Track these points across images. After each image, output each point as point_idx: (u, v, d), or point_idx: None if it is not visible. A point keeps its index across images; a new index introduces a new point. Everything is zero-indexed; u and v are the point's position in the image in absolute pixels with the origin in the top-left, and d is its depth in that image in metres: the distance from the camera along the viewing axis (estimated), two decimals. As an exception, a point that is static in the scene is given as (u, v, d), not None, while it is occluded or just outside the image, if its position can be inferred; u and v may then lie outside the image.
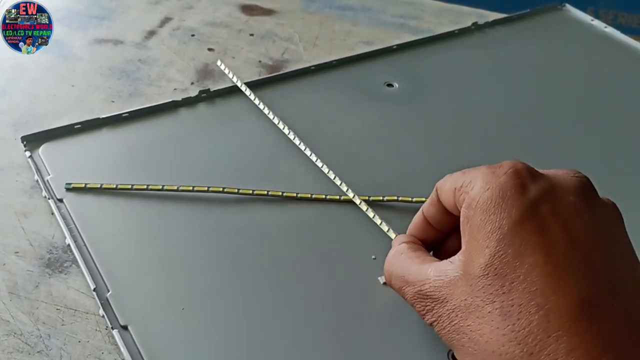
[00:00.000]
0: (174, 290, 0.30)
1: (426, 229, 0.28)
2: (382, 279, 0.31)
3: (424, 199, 0.33)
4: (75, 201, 0.34)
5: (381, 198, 0.36)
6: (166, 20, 0.52)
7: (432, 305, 0.23)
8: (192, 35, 0.50)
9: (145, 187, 0.34)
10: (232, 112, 0.42)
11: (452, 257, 0.24)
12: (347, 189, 0.35)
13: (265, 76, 0.45)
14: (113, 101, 0.42)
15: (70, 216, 0.33)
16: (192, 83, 0.44)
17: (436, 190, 0.27)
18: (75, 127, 0.39)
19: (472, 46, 0.53)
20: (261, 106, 0.42)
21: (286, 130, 0.40)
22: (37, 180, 0.34)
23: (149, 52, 0.47)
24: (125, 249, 0.31)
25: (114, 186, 0.34)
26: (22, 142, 0.37)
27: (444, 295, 0.23)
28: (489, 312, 0.21)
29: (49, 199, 0.33)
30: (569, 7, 0.61)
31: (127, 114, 0.40)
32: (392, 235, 0.32)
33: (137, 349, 0.27)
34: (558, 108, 0.47)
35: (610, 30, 0.57)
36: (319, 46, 0.50)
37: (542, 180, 0.23)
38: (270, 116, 0.41)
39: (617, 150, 0.43)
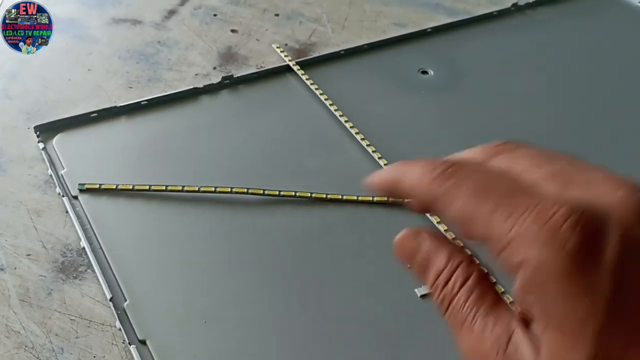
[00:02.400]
0: (196, 300, 0.27)
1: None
2: (419, 291, 0.29)
3: None
4: (90, 199, 0.32)
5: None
6: (187, -2, 0.49)
7: None
8: (215, 15, 0.47)
9: (164, 187, 0.32)
10: (256, 101, 0.40)
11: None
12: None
13: (295, 60, 0.42)
14: (131, 87, 0.39)
15: (86, 215, 0.31)
16: (215, 68, 0.42)
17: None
18: (92, 115, 0.36)
19: (512, 29, 0.50)
20: (317, 91, 0.39)
21: (337, 113, 0.37)
22: (51, 175, 0.32)
23: (169, 34, 0.45)
24: (143, 254, 0.29)
25: (131, 187, 0.32)
26: (35, 132, 0.35)
27: None
28: None
29: (63, 196, 0.31)
30: (618, -14, 0.56)
31: (145, 102, 0.38)
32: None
33: (156, 366, 0.25)
34: (607, 98, 0.43)
35: (661, 12, 0.53)
36: (348, 28, 0.47)
37: (612, 230, 0.15)
38: (325, 99, 0.38)
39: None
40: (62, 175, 0.33)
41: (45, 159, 0.33)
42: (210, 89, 0.39)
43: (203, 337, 0.26)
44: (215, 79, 0.39)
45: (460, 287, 0.17)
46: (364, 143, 0.36)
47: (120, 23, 0.45)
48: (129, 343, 0.25)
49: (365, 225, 0.32)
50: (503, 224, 0.15)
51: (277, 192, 0.32)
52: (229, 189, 0.32)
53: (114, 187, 0.32)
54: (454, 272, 0.17)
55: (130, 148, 0.35)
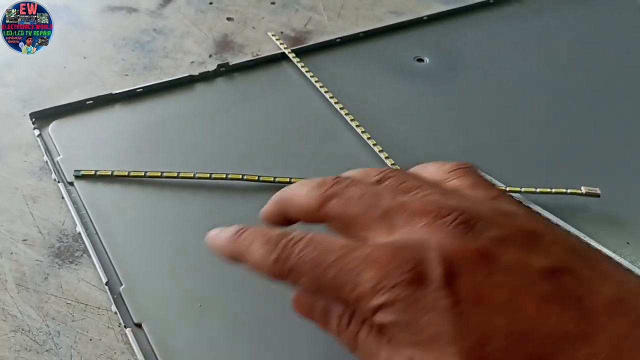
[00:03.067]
0: (191, 285, 0.28)
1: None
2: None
3: None
4: (86, 185, 0.32)
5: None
6: (182, -14, 0.49)
7: None
8: (210, 3, 0.47)
9: (159, 174, 0.32)
10: (252, 88, 0.40)
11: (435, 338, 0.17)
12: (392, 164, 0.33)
13: (291, 48, 0.42)
14: (127, 75, 0.39)
15: (82, 201, 0.31)
16: (211, 56, 0.42)
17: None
18: (87, 103, 0.36)
19: (509, 17, 0.50)
20: (313, 78, 0.39)
21: (333, 100, 0.37)
22: (47, 161, 0.32)
23: (164, 22, 0.45)
24: (139, 239, 0.29)
25: (126, 173, 0.32)
26: (31, 119, 0.35)
27: None
28: None
29: (58, 182, 0.31)
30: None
31: (141, 89, 0.38)
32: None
33: (152, 348, 0.25)
34: (603, 87, 0.43)
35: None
36: (344, 16, 0.47)
37: (488, 229, 0.18)
38: (320, 87, 0.38)
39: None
40: (57, 161, 0.33)
41: (41, 146, 0.33)
42: (206, 77, 0.39)
43: (198, 321, 0.26)
44: (211, 66, 0.39)
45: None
46: (358, 130, 0.36)
47: (115, 11, 0.45)
48: (124, 326, 0.25)
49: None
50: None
51: (272, 179, 0.32)
52: (224, 175, 0.32)
53: (110, 173, 0.32)
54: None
55: (126, 135, 0.35)
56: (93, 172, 0.32)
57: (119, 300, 0.26)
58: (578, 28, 0.49)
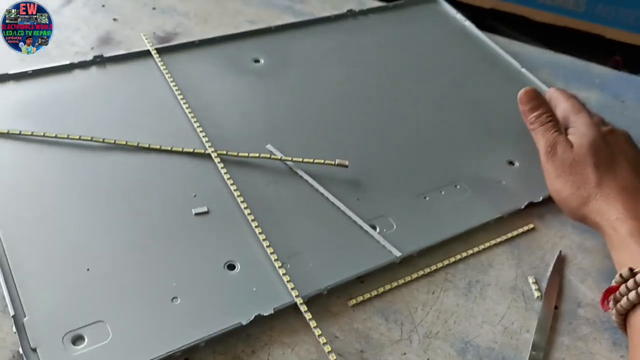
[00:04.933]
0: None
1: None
2: (194, 210, 0.43)
3: (257, 155, 0.46)
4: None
5: (224, 152, 0.47)
6: (84, -10, 0.61)
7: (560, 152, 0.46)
8: (103, 6, 0.60)
9: (30, 133, 0.45)
10: (118, 76, 0.53)
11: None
12: (207, 142, 0.47)
13: (155, 46, 0.55)
14: (23, 60, 0.52)
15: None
16: (92, 48, 0.55)
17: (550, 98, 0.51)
18: (-14, 79, 0.49)
19: (341, 31, 0.63)
20: (166, 73, 0.52)
21: (175, 88, 0.51)
22: (-51, 120, 0.45)
23: (62, 18, 0.57)
24: (11, 180, 0.43)
25: (6, 131, 0.45)
26: (-58, 89, 0.47)
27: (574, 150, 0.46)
28: (591, 163, 0.44)
29: (-45, 135, 0.44)
30: (441, 1, 0.70)
31: (31, 72, 0.50)
32: (226, 177, 0.44)
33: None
34: (401, 87, 0.57)
35: (468, 24, 0.67)
36: (209, 22, 0.60)
37: (608, 128, 0.47)
38: (170, 80, 0.51)
39: (444, 121, 0.54)
40: (-43, 121, 0.46)
41: (-54, 109, 0.46)
42: (83, 65, 0.52)
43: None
44: (90, 57, 0.52)
45: (548, 120, 0.47)
46: (187, 112, 0.49)
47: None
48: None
49: (170, 167, 0.46)
50: (574, 117, 0.48)
51: (113, 141, 0.46)
52: (78, 137, 0.45)
53: (-7, 131, 0.45)
54: (547, 112, 0.48)
55: (16, 104, 0.48)
56: (-19, 130, 0.45)
57: None
58: (399, 42, 0.63)
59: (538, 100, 0.48)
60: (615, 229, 0.40)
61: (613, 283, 0.38)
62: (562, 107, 0.48)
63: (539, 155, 0.46)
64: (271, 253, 0.41)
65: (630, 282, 0.36)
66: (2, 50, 0.53)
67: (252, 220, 0.42)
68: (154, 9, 0.61)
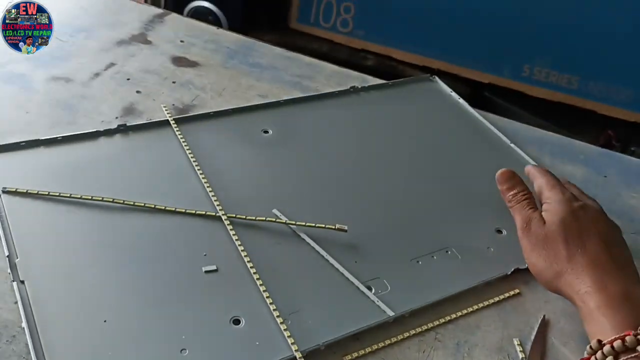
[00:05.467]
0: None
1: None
2: (204, 268, 0.47)
3: (264, 218, 0.50)
4: (10, 198, 0.49)
5: (234, 215, 0.51)
6: (111, 65, 0.67)
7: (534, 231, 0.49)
8: (127, 79, 0.65)
9: (68, 195, 0.49)
10: (140, 143, 0.58)
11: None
12: (219, 206, 0.51)
13: (174, 117, 0.60)
14: (53, 127, 0.57)
15: (3, 207, 0.48)
16: (116, 117, 0.60)
17: (529, 174, 0.55)
18: (21, 144, 0.54)
19: (344, 105, 0.69)
20: (182, 141, 0.57)
21: (190, 156, 0.55)
22: (-14, 181, 0.50)
23: (91, 90, 0.63)
24: (39, 235, 0.47)
25: (36, 192, 0.49)
26: (-20, 153, 0.52)
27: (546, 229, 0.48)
28: (560, 240, 0.47)
29: (-10, 195, 0.49)
30: (437, 79, 0.76)
31: (60, 138, 0.56)
32: (234, 238, 0.48)
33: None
34: (398, 158, 0.62)
35: (462, 101, 0.73)
36: (223, 96, 0.66)
37: (580, 203, 0.49)
38: (186, 148, 0.56)
39: (437, 191, 0.58)
40: (-7, 182, 0.50)
41: (-16, 171, 0.51)
42: (108, 133, 0.57)
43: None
44: (114, 125, 0.57)
45: (524, 198, 0.51)
46: (202, 178, 0.54)
47: (56, 80, 0.64)
48: (12, 281, 0.42)
49: (184, 228, 0.50)
50: (548, 193, 0.51)
51: (132, 203, 0.50)
52: (111, 200, 0.50)
53: (25, 191, 0.49)
54: (523, 191, 0.51)
55: (46, 169, 0.53)
56: (14, 189, 0.49)
57: (13, 267, 0.43)
58: (397, 116, 0.68)
59: (514, 180, 0.52)
60: (585, 302, 0.43)
61: (585, 354, 0.41)
62: (537, 182, 0.52)
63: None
64: (274, 310, 0.44)
65: (599, 354, 0.40)
66: (37, 117, 0.58)
67: (258, 279, 0.46)
68: (173, 82, 0.66)
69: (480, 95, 1.82)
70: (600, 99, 1.47)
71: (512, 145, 0.67)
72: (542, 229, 0.47)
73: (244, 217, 0.51)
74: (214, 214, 0.51)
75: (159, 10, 0.80)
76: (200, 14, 1.62)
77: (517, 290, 0.50)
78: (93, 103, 0.61)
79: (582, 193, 0.53)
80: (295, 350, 0.42)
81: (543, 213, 0.49)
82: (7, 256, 0.44)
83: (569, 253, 0.45)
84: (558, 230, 0.46)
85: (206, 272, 0.46)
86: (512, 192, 0.51)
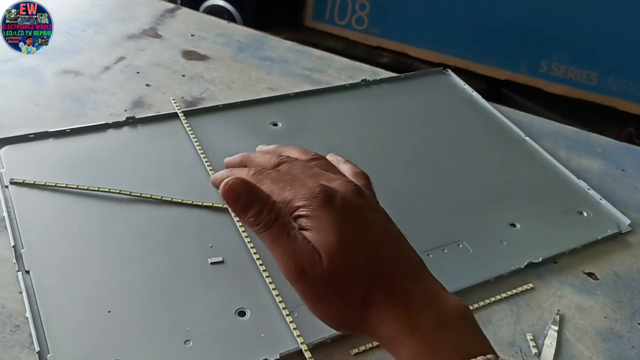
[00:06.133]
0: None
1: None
2: (210, 260, 0.46)
3: None
4: (17, 189, 0.49)
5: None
6: (121, 58, 0.67)
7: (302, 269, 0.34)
8: (137, 73, 0.65)
9: (75, 186, 0.49)
10: (148, 136, 0.57)
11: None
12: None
13: (182, 109, 0.60)
14: (62, 119, 0.57)
15: (11, 199, 0.48)
16: (125, 110, 0.60)
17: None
18: (29, 136, 0.54)
19: (355, 98, 0.68)
20: (191, 133, 0.57)
21: (198, 147, 0.55)
22: (-6, 172, 0.50)
23: (100, 84, 0.63)
24: (45, 226, 0.46)
25: (43, 183, 0.49)
26: (-11, 144, 0.53)
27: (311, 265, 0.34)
28: (343, 276, 0.33)
29: (-2, 185, 0.49)
30: (450, 72, 0.75)
31: (69, 130, 0.55)
32: (241, 230, 0.48)
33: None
34: (410, 151, 0.61)
35: (475, 94, 0.71)
36: (232, 89, 0.65)
37: (338, 195, 0.35)
38: (194, 140, 0.56)
39: (448, 184, 0.57)
40: (1, 172, 0.50)
41: (-8, 162, 0.51)
42: (116, 125, 0.57)
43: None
44: (123, 118, 0.57)
45: (274, 219, 0.33)
46: (210, 172, 0.53)
47: (66, 73, 0.64)
48: (17, 270, 0.42)
49: (190, 219, 0.49)
50: (287, 194, 0.34)
51: (139, 194, 0.50)
52: (118, 191, 0.49)
53: (32, 182, 0.49)
54: (268, 207, 0.34)
55: (54, 160, 0.53)
56: (22, 180, 0.49)
57: (19, 257, 0.43)
58: (407, 108, 0.67)
59: (247, 194, 0.34)
60: (397, 353, 0.32)
61: None
62: (265, 187, 0.35)
63: (541, 217, 0.47)
64: (280, 302, 0.43)
65: None
66: (46, 110, 0.58)
67: (264, 271, 0.45)
68: (183, 76, 0.66)
69: (497, 92, 1.80)
70: (620, 95, 1.44)
71: (526, 138, 0.65)
72: (321, 267, 0.32)
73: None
74: (220, 205, 0.50)
75: (170, 5, 0.80)
76: (215, 13, 1.62)
77: (530, 285, 0.49)
78: (102, 96, 0.61)
79: (307, 154, 0.40)
80: (301, 343, 0.41)
81: (307, 234, 0.33)
82: (13, 246, 0.44)
83: (363, 291, 0.33)
84: (342, 264, 0.33)
85: (212, 263, 0.46)
86: (251, 214, 0.34)
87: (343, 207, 0.34)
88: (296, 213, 0.34)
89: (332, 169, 0.39)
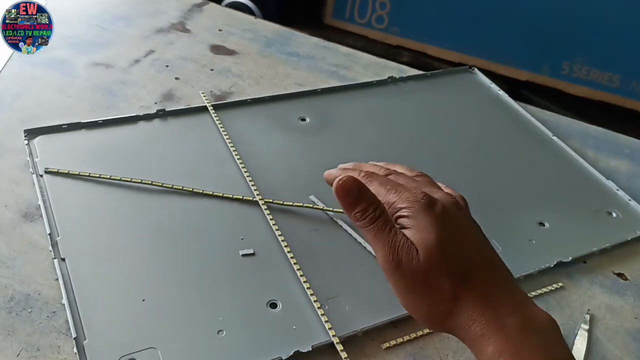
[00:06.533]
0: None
1: None
2: (241, 252, 0.46)
3: (301, 204, 0.50)
4: (51, 178, 0.50)
5: (271, 201, 0.51)
6: (150, 52, 0.68)
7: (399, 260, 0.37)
8: (167, 66, 0.66)
9: (108, 177, 0.50)
10: (178, 128, 0.58)
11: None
12: (256, 191, 0.51)
13: (212, 103, 0.60)
14: (94, 111, 0.58)
15: (46, 188, 0.49)
16: (155, 103, 0.60)
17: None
18: (63, 126, 0.55)
19: (382, 95, 0.68)
20: (220, 126, 0.57)
21: (228, 141, 0.56)
22: (29, 161, 0.50)
23: (130, 76, 0.63)
24: (79, 215, 0.47)
25: (77, 173, 0.50)
26: (24, 133, 0.53)
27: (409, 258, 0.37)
28: (436, 272, 0.36)
29: (33, 174, 0.49)
30: (476, 70, 0.75)
31: (101, 121, 0.56)
32: (271, 223, 0.48)
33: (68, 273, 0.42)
34: (437, 148, 0.61)
35: (502, 93, 0.71)
36: (260, 83, 0.66)
37: (439, 203, 0.38)
38: (224, 134, 0.56)
39: (476, 182, 0.56)
40: (36, 162, 0.51)
41: (27, 151, 0.51)
42: (147, 117, 0.58)
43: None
44: (153, 110, 0.58)
45: (378, 216, 0.37)
46: (240, 165, 0.54)
47: (98, 65, 0.64)
48: (53, 258, 0.42)
49: (221, 212, 0.50)
50: (392, 196, 0.38)
51: (171, 186, 0.50)
52: (150, 182, 0.50)
53: (67, 171, 0.50)
54: (374, 205, 0.37)
55: (86, 150, 0.53)
56: (56, 170, 0.50)
57: (55, 246, 0.44)
58: (433, 106, 0.67)
59: (359, 191, 0.38)
60: (482, 350, 0.34)
61: None
62: (373, 188, 0.39)
63: (570, 217, 0.47)
64: (311, 295, 0.43)
65: None
66: (78, 101, 0.59)
67: (295, 264, 0.46)
68: (212, 70, 0.67)
69: (517, 93, 1.79)
70: (642, 97, 1.43)
71: (554, 138, 0.65)
72: (417, 262, 0.35)
73: (281, 202, 0.51)
74: (251, 198, 0.51)
75: (198, 0, 0.81)
76: (236, 9, 1.63)
77: (560, 284, 0.48)
78: (133, 89, 0.62)
79: (412, 171, 0.44)
80: (332, 336, 0.41)
81: (407, 232, 0.37)
82: (49, 234, 0.45)
83: (454, 289, 0.35)
84: (437, 261, 0.35)
85: (243, 255, 0.46)
86: (359, 209, 0.37)
87: (442, 213, 0.37)
88: (398, 214, 0.38)
89: (435, 185, 0.42)
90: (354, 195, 0.38)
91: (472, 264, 0.36)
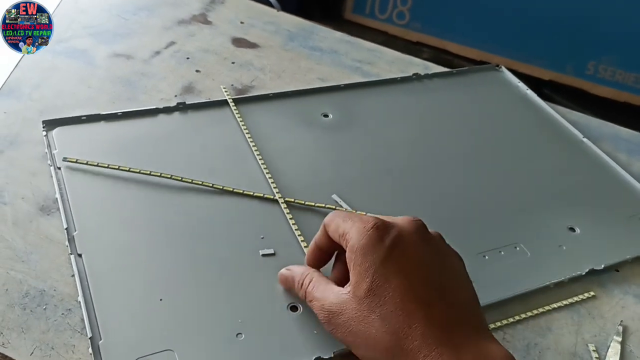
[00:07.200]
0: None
1: (318, 255, 0.41)
2: (261, 252, 0.45)
3: (323, 205, 0.49)
4: (69, 170, 0.49)
5: (292, 200, 0.49)
6: (171, 43, 0.67)
7: (331, 316, 0.37)
8: (187, 58, 0.65)
9: (127, 169, 0.49)
10: (198, 122, 0.56)
11: (345, 286, 0.36)
12: (276, 189, 0.49)
13: (232, 97, 0.59)
14: (114, 103, 0.57)
15: (63, 179, 0.48)
16: (176, 96, 0.59)
17: (324, 226, 0.40)
18: (82, 118, 0.54)
19: (406, 92, 0.66)
20: (240, 121, 0.56)
21: (248, 136, 0.54)
22: (47, 152, 0.49)
23: (150, 68, 0.62)
24: (97, 209, 0.46)
25: (96, 164, 0.49)
26: (42, 124, 0.52)
27: (340, 310, 0.36)
28: (373, 319, 0.34)
29: (51, 166, 0.48)
30: (504, 69, 0.72)
31: (120, 113, 0.55)
32: (291, 223, 0.47)
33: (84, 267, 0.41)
34: (464, 148, 0.59)
35: (530, 92, 0.69)
36: (282, 77, 0.64)
37: (393, 230, 0.36)
38: (244, 129, 0.55)
39: (505, 184, 0.55)
40: (54, 153, 0.50)
41: (45, 142, 0.50)
42: (167, 110, 0.56)
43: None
44: (173, 103, 0.56)
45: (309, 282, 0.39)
46: (259, 159, 0.52)
47: (118, 56, 0.63)
48: (70, 253, 0.41)
49: (241, 209, 0.48)
50: (346, 226, 0.37)
51: (190, 180, 0.49)
52: (169, 176, 0.49)
53: (85, 162, 0.49)
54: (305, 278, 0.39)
55: (105, 142, 0.52)
56: (75, 160, 0.49)
57: (71, 241, 0.43)
58: (459, 105, 0.65)
59: (285, 279, 0.42)
60: None
61: None
62: (334, 222, 0.39)
63: (602, 223, 0.45)
64: (333, 298, 0.42)
65: None
66: (98, 92, 0.58)
67: (316, 265, 0.44)
68: (233, 63, 0.65)
69: (539, 93, 1.75)
70: (670, 99, 1.39)
71: (584, 139, 0.63)
72: (350, 311, 0.36)
73: (302, 202, 0.49)
74: (271, 197, 0.49)
75: (219, -8, 0.79)
76: (256, 1, 1.61)
77: (592, 293, 0.46)
78: (153, 80, 0.60)
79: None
80: (354, 342, 0.40)
81: (343, 272, 0.39)
82: (66, 228, 0.43)
83: (395, 342, 0.34)
84: (371, 308, 0.35)
85: (263, 255, 0.45)
86: (295, 289, 0.41)
87: (394, 242, 0.36)
88: (346, 246, 0.37)
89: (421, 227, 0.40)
90: (286, 283, 0.42)
91: (413, 307, 0.34)
